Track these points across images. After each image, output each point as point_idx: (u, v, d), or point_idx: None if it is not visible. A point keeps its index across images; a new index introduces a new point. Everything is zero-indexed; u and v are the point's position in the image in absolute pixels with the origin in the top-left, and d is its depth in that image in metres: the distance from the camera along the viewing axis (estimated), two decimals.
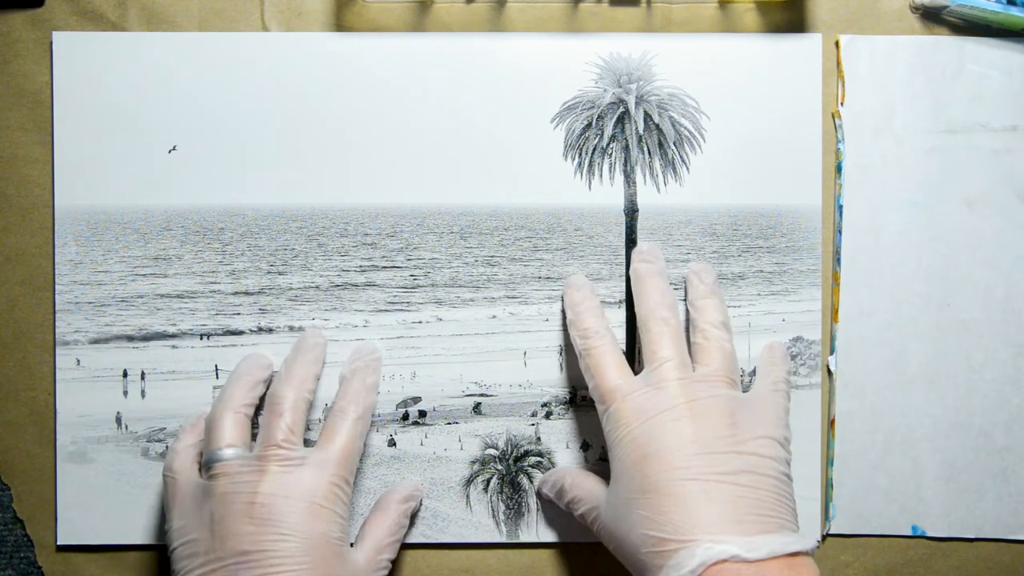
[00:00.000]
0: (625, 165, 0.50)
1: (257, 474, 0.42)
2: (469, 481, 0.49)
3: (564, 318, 0.49)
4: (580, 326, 0.46)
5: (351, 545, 0.44)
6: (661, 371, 0.42)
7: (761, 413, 0.42)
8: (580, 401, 0.49)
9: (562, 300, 0.49)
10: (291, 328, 0.49)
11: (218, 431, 0.44)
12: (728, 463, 0.39)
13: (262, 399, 0.46)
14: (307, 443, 0.46)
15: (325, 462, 0.43)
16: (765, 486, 0.39)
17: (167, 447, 0.49)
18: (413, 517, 0.49)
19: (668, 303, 0.45)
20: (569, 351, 0.49)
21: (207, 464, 0.43)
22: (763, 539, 0.37)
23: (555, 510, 0.49)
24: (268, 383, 0.47)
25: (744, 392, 0.44)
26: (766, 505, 0.38)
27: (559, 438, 0.49)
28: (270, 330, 0.49)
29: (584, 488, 0.45)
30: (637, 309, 0.46)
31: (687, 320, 0.47)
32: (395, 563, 0.48)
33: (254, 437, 0.45)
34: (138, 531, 0.49)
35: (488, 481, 0.49)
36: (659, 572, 0.37)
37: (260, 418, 0.45)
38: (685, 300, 0.48)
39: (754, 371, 0.49)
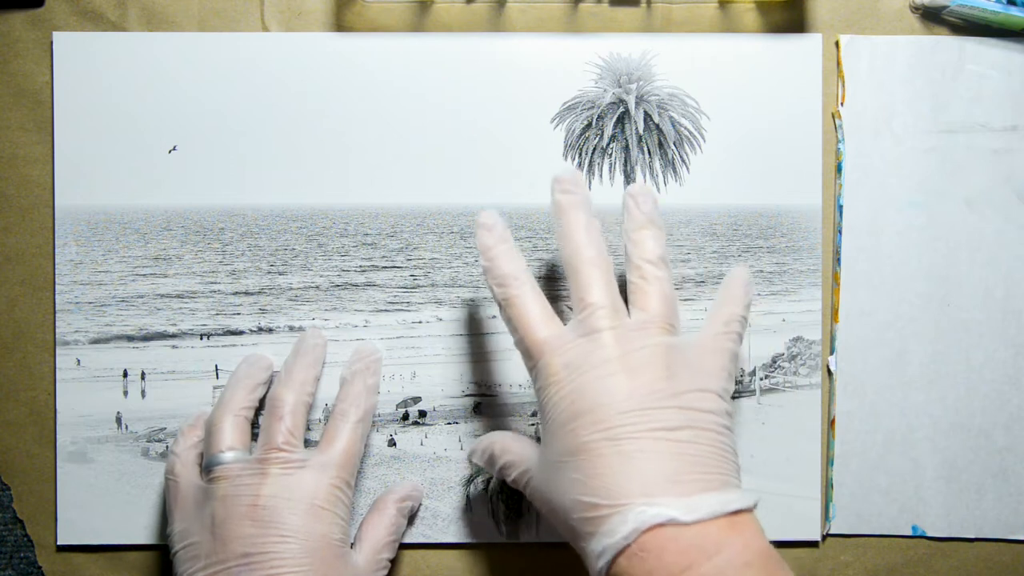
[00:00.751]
0: (625, 165, 0.50)
1: (258, 477, 0.42)
2: (469, 481, 0.49)
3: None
4: (496, 273, 0.41)
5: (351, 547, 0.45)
6: (592, 320, 0.38)
7: (702, 363, 0.38)
8: None
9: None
10: (291, 328, 0.49)
11: (218, 434, 0.44)
12: (665, 419, 0.35)
13: (262, 401, 0.47)
14: (307, 444, 0.46)
15: (326, 464, 0.43)
16: (705, 440, 0.36)
17: (167, 447, 0.49)
18: (413, 518, 0.49)
19: (594, 240, 0.40)
20: None
21: (207, 467, 0.43)
22: (702, 499, 0.34)
23: None
24: (268, 385, 0.47)
25: (696, 334, 0.41)
26: (708, 461, 0.35)
27: None
28: (270, 330, 0.49)
29: (514, 452, 0.42)
30: (560, 247, 0.41)
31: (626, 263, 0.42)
32: (395, 563, 0.48)
33: (254, 438, 0.45)
34: (138, 531, 0.49)
35: (488, 481, 0.49)
36: (591, 540, 0.35)
37: (260, 420, 0.45)
38: (621, 228, 0.43)
39: (754, 371, 0.49)
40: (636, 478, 0.34)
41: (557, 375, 0.38)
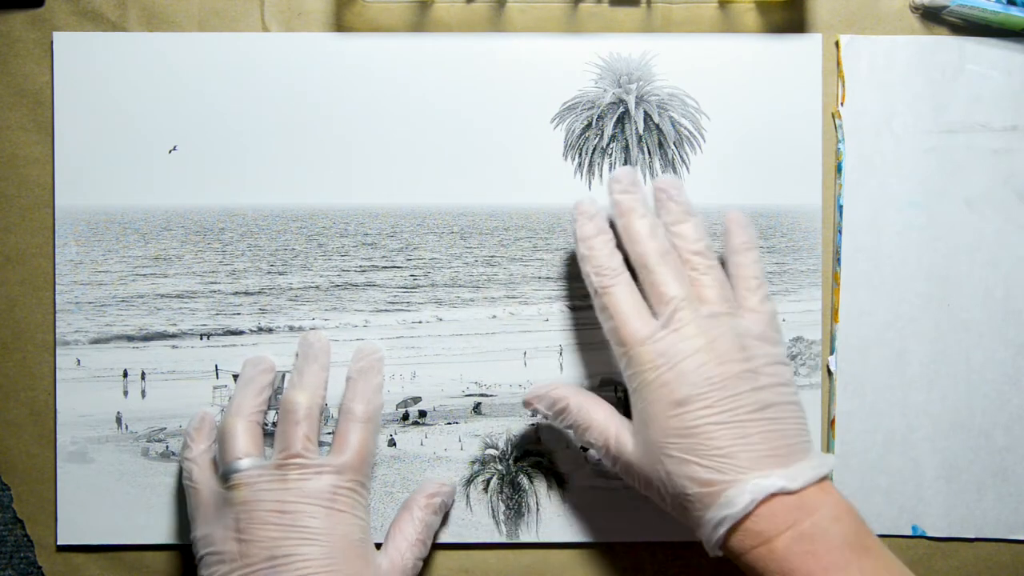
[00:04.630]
0: (625, 165, 0.50)
1: (279, 482, 0.43)
2: (469, 481, 0.49)
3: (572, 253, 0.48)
4: (595, 263, 0.44)
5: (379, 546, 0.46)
6: (676, 314, 0.42)
7: (763, 335, 0.43)
8: None
9: (573, 231, 0.46)
10: (291, 328, 0.49)
11: (232, 441, 0.44)
12: (754, 399, 0.41)
13: (270, 399, 0.47)
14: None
15: (342, 468, 0.44)
16: (788, 414, 0.41)
17: (167, 447, 0.49)
18: (447, 516, 0.49)
19: (659, 235, 0.44)
20: (569, 351, 0.49)
21: (225, 475, 0.44)
22: (798, 468, 0.40)
23: (555, 510, 0.49)
24: (273, 385, 0.48)
25: (743, 311, 0.44)
26: (791, 433, 0.41)
27: (559, 438, 0.49)
28: (270, 330, 0.49)
29: (596, 419, 0.44)
30: (628, 247, 0.44)
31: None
32: None
33: (266, 434, 0.46)
34: (138, 531, 0.49)
35: (488, 481, 0.49)
36: (708, 511, 0.40)
37: (276, 426, 0.45)
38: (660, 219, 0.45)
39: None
40: (745, 455, 0.40)
41: (653, 362, 0.42)
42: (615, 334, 0.43)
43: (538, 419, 0.49)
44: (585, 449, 0.49)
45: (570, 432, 0.45)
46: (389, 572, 0.44)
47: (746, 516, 0.39)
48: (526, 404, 0.46)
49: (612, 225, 0.46)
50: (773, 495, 0.39)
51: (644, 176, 0.50)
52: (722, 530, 0.39)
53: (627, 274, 0.44)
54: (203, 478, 0.45)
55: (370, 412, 0.46)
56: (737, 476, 0.39)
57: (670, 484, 0.41)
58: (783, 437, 0.41)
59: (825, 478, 0.41)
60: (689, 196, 0.46)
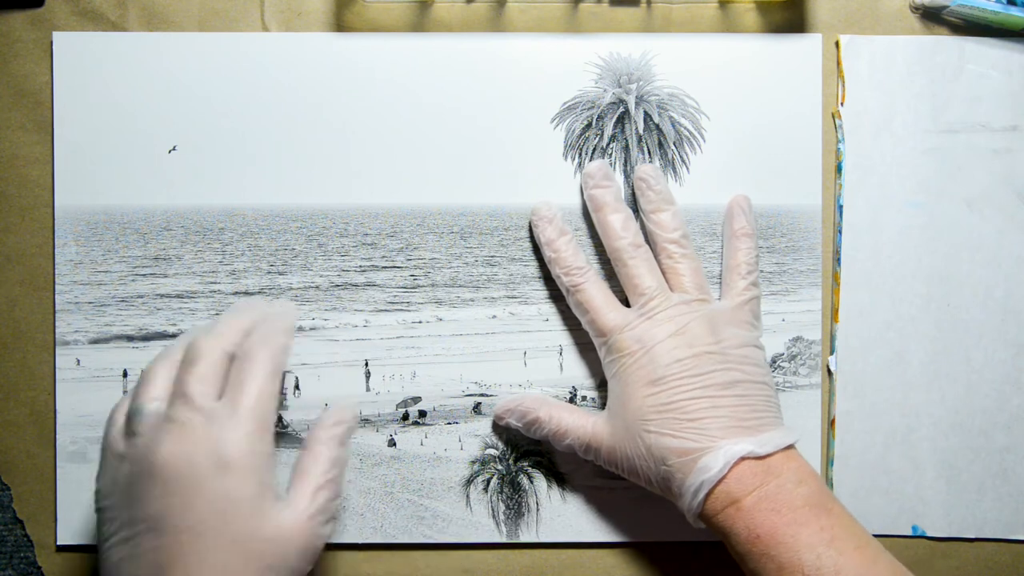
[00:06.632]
0: (625, 165, 0.50)
1: (165, 433, 0.38)
2: (469, 481, 0.49)
3: (534, 245, 0.49)
4: (563, 264, 0.47)
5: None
6: (649, 304, 0.45)
7: (736, 319, 0.46)
8: (580, 401, 0.49)
9: (530, 229, 0.49)
10: None
11: (147, 383, 0.41)
12: (724, 377, 0.43)
13: (281, 399, 0.47)
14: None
15: (236, 414, 0.39)
16: (756, 392, 0.44)
17: None
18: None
19: (633, 229, 0.47)
20: (569, 351, 0.49)
21: (128, 419, 0.40)
22: (767, 436, 0.42)
23: (555, 510, 0.49)
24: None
25: (724, 295, 0.48)
26: (759, 408, 0.43)
27: None
28: None
29: (570, 422, 0.46)
30: (604, 240, 0.47)
31: (643, 227, 0.48)
32: (394, 564, 0.48)
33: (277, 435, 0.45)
34: None
35: (488, 481, 0.49)
36: (688, 477, 0.42)
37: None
38: (637, 209, 0.49)
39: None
40: (717, 425, 0.42)
41: (630, 348, 0.44)
42: (593, 326, 0.46)
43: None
44: None
45: (551, 441, 0.47)
46: (294, 524, 0.39)
47: (720, 480, 0.41)
48: (497, 418, 0.49)
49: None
50: (743, 459, 0.41)
51: None
52: (701, 495, 0.42)
53: (594, 270, 0.47)
54: (114, 433, 0.41)
55: (270, 351, 0.41)
56: (710, 443, 0.42)
57: (651, 459, 0.43)
58: (752, 411, 0.43)
59: (791, 447, 0.43)
60: (667, 184, 0.48)
